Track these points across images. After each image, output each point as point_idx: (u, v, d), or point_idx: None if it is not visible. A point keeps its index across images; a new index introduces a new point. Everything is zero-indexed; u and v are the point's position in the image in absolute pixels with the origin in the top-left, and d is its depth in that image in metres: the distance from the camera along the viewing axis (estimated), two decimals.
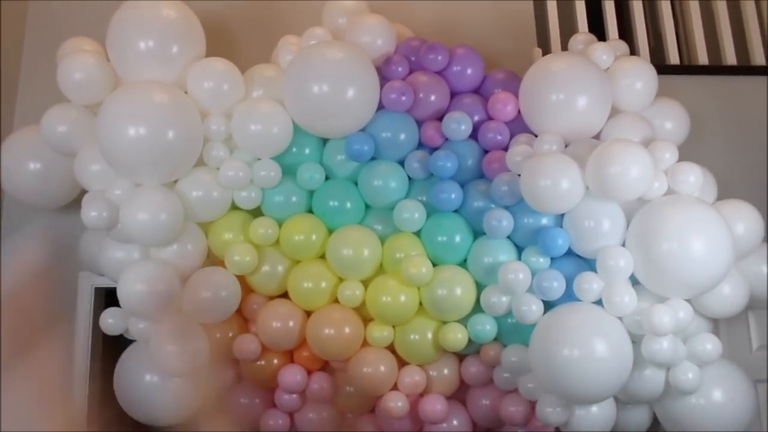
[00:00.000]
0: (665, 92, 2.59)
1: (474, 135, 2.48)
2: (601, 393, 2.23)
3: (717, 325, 2.50)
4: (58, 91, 2.47)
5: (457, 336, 2.35)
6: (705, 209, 2.22)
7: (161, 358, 2.31)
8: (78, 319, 2.76)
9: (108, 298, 2.75)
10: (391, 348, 2.43)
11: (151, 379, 2.40)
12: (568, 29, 3.07)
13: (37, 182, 2.57)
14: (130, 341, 2.52)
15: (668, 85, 2.66)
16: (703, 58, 3.08)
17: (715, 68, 3.07)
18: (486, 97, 2.56)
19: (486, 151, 2.48)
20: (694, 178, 2.30)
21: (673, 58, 3.08)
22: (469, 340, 2.37)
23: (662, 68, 2.70)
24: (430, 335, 2.38)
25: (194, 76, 2.40)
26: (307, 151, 2.49)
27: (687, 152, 2.46)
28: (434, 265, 2.39)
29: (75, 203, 2.60)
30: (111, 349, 2.73)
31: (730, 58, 3.12)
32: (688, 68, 3.07)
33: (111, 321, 2.44)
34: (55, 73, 2.46)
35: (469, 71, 2.56)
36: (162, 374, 2.37)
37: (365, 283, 2.42)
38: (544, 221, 2.35)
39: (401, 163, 2.49)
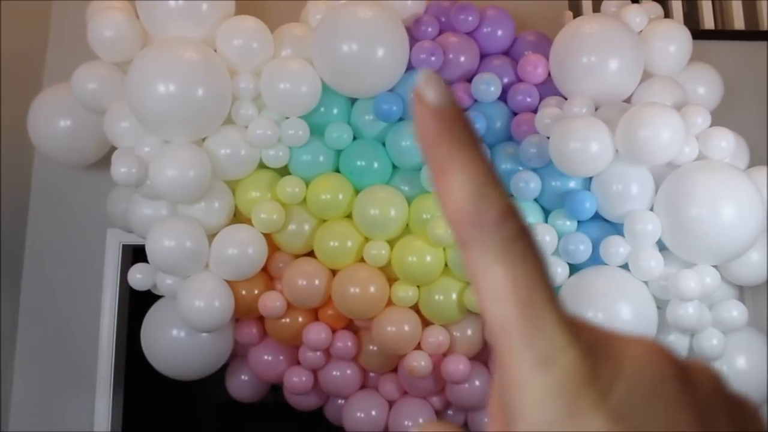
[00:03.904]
0: (699, 57, 2.54)
1: (503, 97, 2.46)
2: None
3: (743, 292, 2.49)
4: (87, 48, 2.48)
5: None
6: (736, 175, 2.19)
7: (188, 314, 2.34)
8: (105, 276, 2.81)
9: (135, 255, 2.79)
10: (416, 308, 2.45)
11: (177, 335, 2.44)
12: None
13: (67, 139, 2.60)
14: (156, 299, 2.56)
15: (702, 51, 2.61)
16: (739, 23, 3.02)
17: (751, 33, 3.01)
18: (516, 59, 2.54)
19: (515, 114, 2.47)
20: (725, 143, 2.27)
21: (708, 22, 3.02)
22: None
23: (696, 33, 2.65)
24: (454, 296, 2.39)
25: (224, 34, 2.40)
26: (335, 110, 2.49)
27: (719, 118, 2.42)
28: None
29: (104, 161, 2.63)
30: (138, 306, 2.78)
31: (767, 23, 3.06)
32: (722, 33, 3.01)
33: (139, 276, 2.47)
34: (85, 30, 2.47)
35: (499, 32, 2.54)
36: (188, 330, 2.41)
37: (391, 243, 2.43)
38: (572, 184, 2.35)
39: None
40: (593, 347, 0.23)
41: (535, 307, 0.22)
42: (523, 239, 0.23)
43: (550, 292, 0.23)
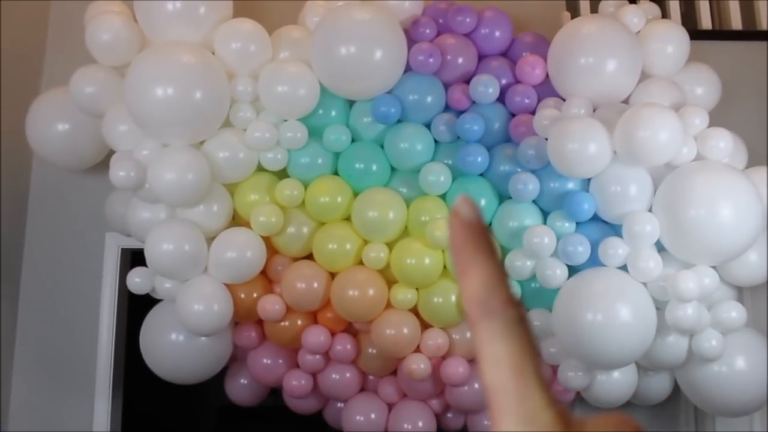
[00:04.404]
0: (696, 58, 2.54)
1: (501, 98, 2.46)
2: (624, 358, 2.24)
3: (741, 293, 2.48)
4: (85, 52, 2.48)
5: None
6: (734, 175, 2.19)
7: (187, 318, 2.34)
8: (104, 279, 2.81)
9: (134, 259, 2.79)
10: (415, 310, 2.44)
11: (176, 338, 2.44)
12: None
13: (66, 143, 2.60)
14: (155, 302, 2.56)
15: (700, 51, 2.61)
16: (736, 23, 3.02)
17: (749, 33, 3.01)
18: (514, 60, 2.54)
19: (513, 115, 2.47)
20: (724, 143, 2.27)
21: (705, 23, 3.02)
22: None
23: (694, 33, 2.65)
24: (453, 298, 2.39)
25: (221, 37, 2.40)
26: (333, 113, 2.49)
27: (717, 118, 2.42)
28: None
29: (102, 164, 2.63)
30: (136, 309, 2.77)
31: (765, 22, 3.06)
32: (720, 33, 3.01)
33: (138, 280, 2.47)
34: (83, 34, 2.47)
35: (497, 34, 2.54)
36: (187, 333, 2.40)
37: (390, 245, 2.42)
38: (571, 185, 2.34)
39: (428, 125, 2.48)
40: (567, 412, 0.30)
41: (525, 377, 0.29)
42: (521, 324, 0.30)
43: (538, 366, 0.30)
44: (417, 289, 2.43)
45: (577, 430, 0.29)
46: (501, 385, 0.30)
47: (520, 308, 0.31)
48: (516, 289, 2.37)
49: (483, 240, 0.32)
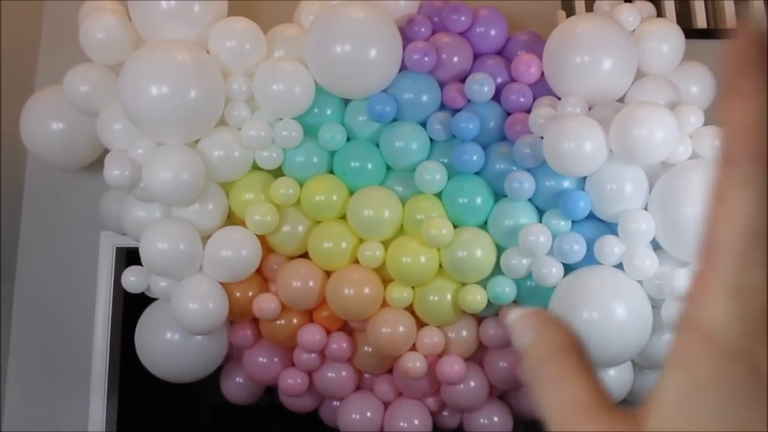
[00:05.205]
0: (692, 56, 2.55)
1: (497, 97, 2.46)
2: (620, 356, 2.24)
3: None
4: (79, 51, 2.47)
5: (476, 298, 2.35)
6: None
7: (182, 317, 2.33)
8: (99, 279, 2.80)
9: (129, 258, 2.78)
10: (411, 309, 2.44)
11: (172, 337, 2.44)
12: None
13: (60, 142, 2.59)
14: (150, 301, 2.55)
15: (695, 50, 2.61)
16: (731, 22, 3.02)
17: None
18: (509, 58, 2.54)
19: (508, 113, 2.46)
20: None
21: (701, 21, 3.03)
22: (488, 302, 2.38)
23: (689, 32, 2.65)
24: (449, 297, 2.39)
25: (216, 35, 2.39)
26: (328, 111, 2.48)
27: (713, 116, 2.42)
28: (455, 226, 2.39)
29: (97, 163, 2.62)
30: (131, 308, 2.77)
31: None
32: (715, 32, 3.01)
33: (133, 279, 2.47)
34: (77, 33, 2.46)
35: (492, 32, 2.53)
36: (183, 332, 2.40)
37: (385, 244, 2.42)
38: (566, 184, 2.34)
39: (423, 124, 2.48)
40: None
41: (760, 243, 0.24)
42: None
43: None
44: (413, 287, 2.42)
45: None
46: (723, 243, 0.24)
47: None
48: (512, 288, 2.37)
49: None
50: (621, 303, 2.18)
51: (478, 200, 2.40)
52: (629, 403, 2.51)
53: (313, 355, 2.46)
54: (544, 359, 0.29)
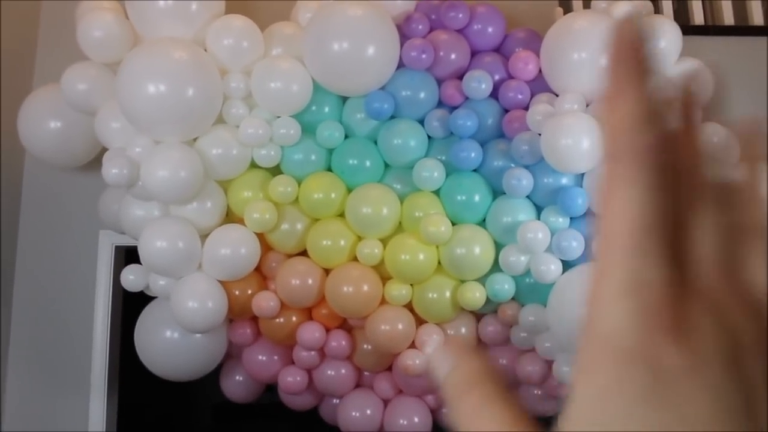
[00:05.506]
0: (689, 53, 2.54)
1: (494, 94, 2.46)
2: None
3: None
4: (77, 49, 2.47)
5: (475, 295, 2.36)
6: None
7: (181, 315, 2.34)
8: (98, 277, 2.81)
9: (127, 257, 2.79)
10: (409, 306, 2.45)
11: (171, 336, 2.44)
12: None
13: (58, 141, 2.59)
14: (149, 300, 2.56)
15: (692, 47, 2.61)
16: (729, 19, 3.03)
17: (741, 29, 3.02)
18: (507, 56, 2.53)
19: (506, 111, 2.46)
20: (716, 139, 2.27)
21: (698, 18, 3.03)
22: (487, 300, 2.38)
23: (687, 29, 2.65)
24: (448, 294, 2.39)
25: (213, 33, 2.39)
26: (326, 109, 2.48)
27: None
28: (453, 224, 2.39)
29: (95, 162, 2.62)
30: (130, 307, 2.77)
31: (757, 18, 3.07)
32: (712, 29, 3.01)
33: (132, 278, 2.47)
34: (74, 31, 2.46)
35: (490, 30, 2.53)
36: (182, 331, 2.40)
37: (384, 241, 2.42)
38: (564, 181, 2.35)
39: (421, 121, 2.48)
40: (686, 297, 0.24)
41: (651, 238, 0.24)
42: (665, 175, 0.25)
43: (668, 230, 0.24)
44: (411, 285, 2.43)
45: (692, 321, 0.23)
46: (616, 238, 0.24)
47: (669, 156, 0.25)
48: (511, 285, 2.37)
49: (646, 66, 0.26)
50: None
51: (477, 197, 2.40)
52: None
53: (312, 352, 2.46)
54: (463, 389, 0.29)
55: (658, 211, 0.24)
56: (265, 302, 2.43)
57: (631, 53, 0.26)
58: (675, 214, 0.25)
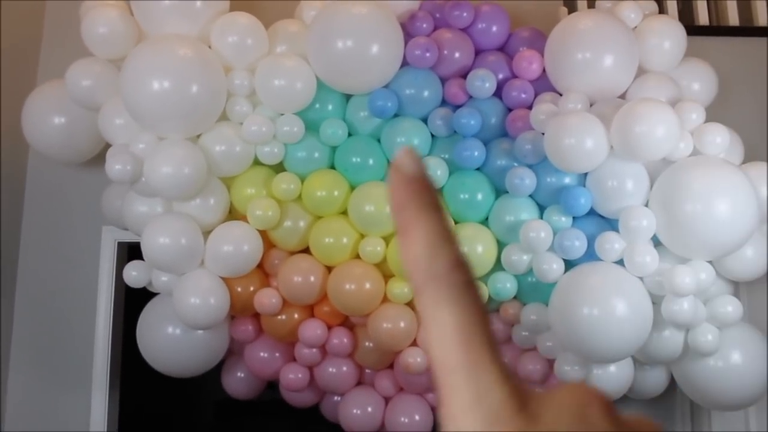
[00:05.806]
0: (694, 53, 2.55)
1: (498, 93, 2.46)
2: (620, 352, 2.24)
3: (738, 288, 2.49)
4: (81, 45, 2.47)
5: None
6: (731, 171, 2.20)
7: (183, 311, 2.34)
8: (101, 273, 2.81)
9: (130, 253, 2.79)
10: (411, 304, 2.44)
11: (173, 332, 2.44)
12: None
13: (62, 137, 2.60)
14: (151, 296, 2.56)
15: (697, 47, 2.61)
16: (733, 19, 3.02)
17: (746, 29, 3.02)
18: (511, 55, 2.54)
19: (510, 110, 2.47)
20: (720, 139, 2.28)
21: (703, 19, 3.02)
22: (489, 298, 2.38)
23: (691, 29, 2.65)
24: None
25: (218, 30, 2.39)
26: (330, 107, 2.49)
27: (714, 114, 2.43)
28: (456, 222, 2.39)
29: (98, 158, 2.62)
30: (133, 303, 2.77)
31: (762, 19, 3.06)
32: (717, 29, 3.01)
33: (134, 274, 2.47)
34: (79, 27, 2.46)
35: (494, 29, 2.54)
36: (184, 327, 2.40)
37: (387, 239, 2.42)
38: (567, 180, 2.34)
39: (424, 120, 2.48)
40: (523, 388, 0.27)
41: (474, 349, 0.26)
42: (469, 289, 0.27)
43: (489, 336, 0.27)
44: None
45: (534, 409, 0.26)
46: (447, 359, 0.26)
47: (468, 271, 0.28)
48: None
49: (426, 196, 0.28)
50: (621, 299, 2.18)
51: (479, 196, 2.40)
52: (630, 400, 2.52)
53: (314, 350, 2.47)
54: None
55: (476, 326, 0.27)
56: (267, 299, 2.43)
57: (412, 189, 0.28)
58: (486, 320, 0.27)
